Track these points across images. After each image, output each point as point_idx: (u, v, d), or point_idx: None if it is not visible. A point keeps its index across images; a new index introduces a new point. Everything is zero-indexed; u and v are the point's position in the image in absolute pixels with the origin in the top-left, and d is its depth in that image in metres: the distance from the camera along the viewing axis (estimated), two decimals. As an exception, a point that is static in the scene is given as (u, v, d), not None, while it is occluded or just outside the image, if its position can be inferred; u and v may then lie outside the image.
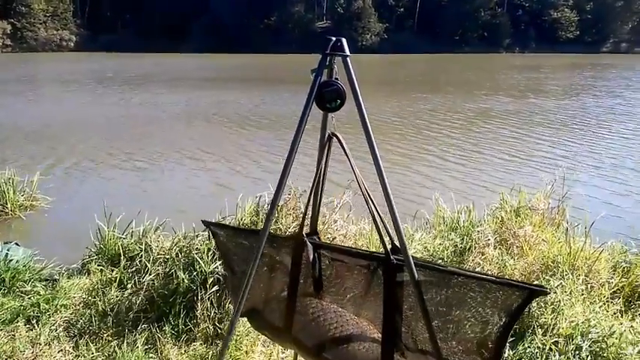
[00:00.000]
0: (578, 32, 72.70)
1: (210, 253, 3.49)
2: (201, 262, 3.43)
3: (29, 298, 3.47)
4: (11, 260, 3.72)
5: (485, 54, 59.55)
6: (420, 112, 16.30)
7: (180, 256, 3.63)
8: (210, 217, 4.24)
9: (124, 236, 4.24)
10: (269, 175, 8.12)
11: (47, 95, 21.85)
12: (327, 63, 1.69)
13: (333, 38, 1.68)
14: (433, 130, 13.47)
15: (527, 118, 15.38)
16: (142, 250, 3.88)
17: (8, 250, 3.85)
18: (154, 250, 3.87)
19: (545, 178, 4.99)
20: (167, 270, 3.60)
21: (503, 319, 1.64)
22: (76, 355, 3.04)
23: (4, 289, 3.56)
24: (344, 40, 1.67)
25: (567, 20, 73.32)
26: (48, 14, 71.42)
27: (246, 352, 3.06)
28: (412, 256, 1.73)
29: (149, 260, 3.74)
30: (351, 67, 1.65)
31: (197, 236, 3.76)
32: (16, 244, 4.20)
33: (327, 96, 1.66)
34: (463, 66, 40.25)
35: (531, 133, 12.84)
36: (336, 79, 1.70)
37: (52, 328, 3.26)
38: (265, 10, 71.71)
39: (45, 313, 3.36)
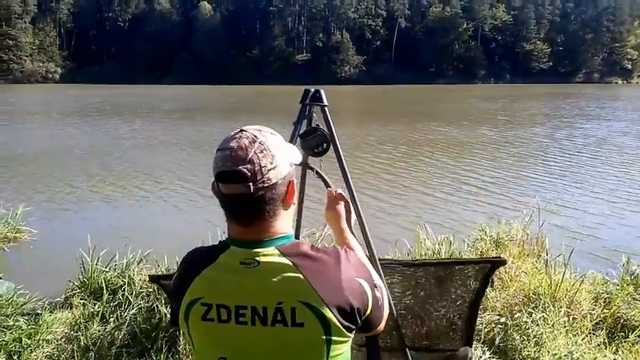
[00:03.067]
0: (551, 63, 75.63)
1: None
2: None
3: (11, 333, 3.39)
4: (-6, 295, 3.65)
5: (460, 85, 61.01)
6: (398, 143, 16.56)
7: (161, 289, 3.61)
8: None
9: (106, 269, 4.20)
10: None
11: (25, 126, 21.69)
12: (307, 112, 1.79)
13: (312, 89, 1.80)
14: (410, 160, 13.68)
15: (500, 147, 15.72)
16: (124, 284, 3.85)
17: (-8, 284, 3.78)
18: (136, 284, 3.86)
19: (522, 209, 5.11)
20: (149, 304, 3.58)
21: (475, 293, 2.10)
22: (57, 393, 2.99)
23: (-13, 324, 3.49)
24: (322, 91, 1.79)
25: (540, 52, 76.23)
26: (34, 47, 72.18)
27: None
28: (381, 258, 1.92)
29: (131, 294, 3.72)
30: (329, 116, 1.76)
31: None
32: (0, 277, 4.13)
33: (312, 143, 1.77)
34: (439, 97, 41.26)
35: (505, 164, 13.09)
36: (317, 125, 1.82)
37: (34, 364, 3.20)
38: (247, 43, 73.13)
39: (27, 348, 3.29)
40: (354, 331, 1.09)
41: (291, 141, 1.76)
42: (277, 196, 1.08)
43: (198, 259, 1.12)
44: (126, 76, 63.07)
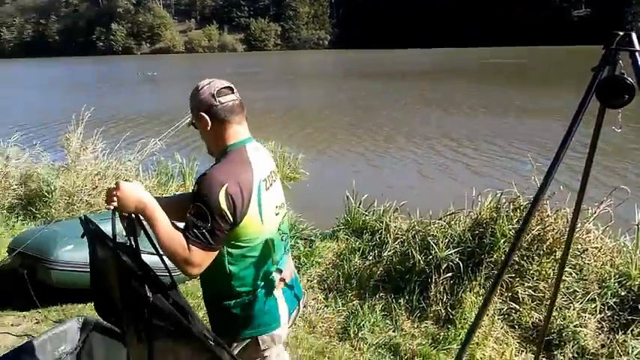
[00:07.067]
0: None
1: (445, 240, 3.57)
2: (435, 247, 3.52)
3: (293, 252, 4.14)
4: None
5: None
6: None
7: (416, 238, 3.78)
8: (444, 206, 4.14)
9: (366, 213, 4.64)
10: (510, 172, 7.85)
11: (305, 85, 25.13)
12: (612, 59, 1.63)
13: (621, 33, 1.64)
14: None
15: None
16: (381, 228, 4.21)
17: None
18: (391, 230, 4.15)
19: None
20: (403, 249, 3.81)
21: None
22: (325, 305, 3.56)
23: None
24: (633, 35, 1.61)
25: None
26: (310, 16, 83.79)
27: (478, 343, 3.06)
28: None
29: (388, 237, 4.05)
30: (640, 63, 1.57)
31: (433, 223, 3.84)
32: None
33: (612, 93, 1.63)
34: None
35: None
36: (622, 73, 1.64)
37: (309, 278, 3.88)
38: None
39: (304, 265, 4.00)
40: None
41: (589, 89, 1.64)
42: None
43: (247, 171, 1.58)
44: (386, 41, 66.40)
